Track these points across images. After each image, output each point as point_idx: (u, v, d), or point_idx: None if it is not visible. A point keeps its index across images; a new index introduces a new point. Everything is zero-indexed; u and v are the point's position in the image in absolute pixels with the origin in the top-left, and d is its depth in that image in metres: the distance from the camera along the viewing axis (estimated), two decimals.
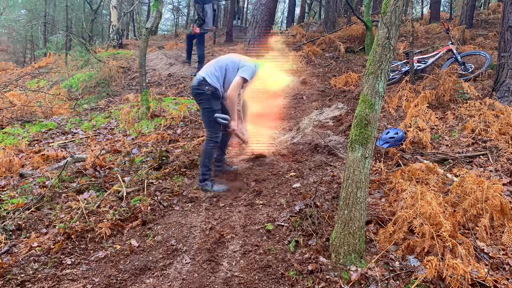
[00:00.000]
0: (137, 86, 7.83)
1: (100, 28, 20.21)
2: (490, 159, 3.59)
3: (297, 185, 3.43)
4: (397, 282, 2.21)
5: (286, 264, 2.38)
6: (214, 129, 3.52)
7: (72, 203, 3.27)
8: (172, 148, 4.56)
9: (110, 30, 14.41)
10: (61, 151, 4.71)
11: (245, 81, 3.54)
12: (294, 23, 16.31)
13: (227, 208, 3.19)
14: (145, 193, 3.40)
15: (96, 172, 3.91)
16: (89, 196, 3.42)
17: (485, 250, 2.42)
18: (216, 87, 3.49)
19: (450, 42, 6.54)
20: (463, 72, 6.04)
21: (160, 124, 5.46)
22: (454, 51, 6.30)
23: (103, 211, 3.13)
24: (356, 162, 2.33)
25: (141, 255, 2.58)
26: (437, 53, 6.64)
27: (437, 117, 4.65)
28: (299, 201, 3.07)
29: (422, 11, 16.80)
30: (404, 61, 6.91)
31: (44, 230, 2.91)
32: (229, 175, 3.85)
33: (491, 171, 3.39)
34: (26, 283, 2.33)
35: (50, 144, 5.03)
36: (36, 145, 5.04)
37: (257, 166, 4.20)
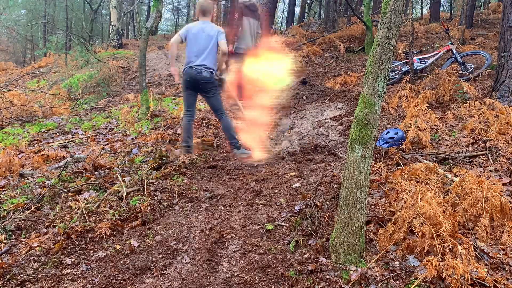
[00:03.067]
0: (137, 86, 7.83)
1: (100, 28, 20.20)
2: (490, 159, 3.59)
3: (297, 185, 3.43)
4: (397, 282, 2.21)
5: (286, 264, 2.38)
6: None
7: (72, 203, 3.27)
8: (172, 148, 4.56)
9: (110, 30, 14.42)
10: (61, 151, 4.71)
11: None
12: (294, 23, 16.30)
13: (227, 208, 3.19)
14: (145, 193, 3.40)
15: (96, 172, 3.91)
16: (89, 196, 3.42)
17: (485, 250, 2.42)
18: (216, 73, 4.31)
19: (450, 42, 6.54)
20: (463, 72, 6.04)
21: (160, 124, 5.46)
22: (454, 51, 6.31)
23: (103, 211, 3.13)
24: (356, 162, 2.33)
25: (141, 255, 2.58)
26: (437, 53, 6.65)
27: (437, 117, 4.65)
28: (299, 201, 3.07)
29: (422, 11, 16.79)
30: (404, 61, 6.92)
31: (44, 230, 2.91)
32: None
33: (491, 171, 3.40)
34: (26, 283, 2.33)
35: (50, 144, 5.03)
36: (36, 145, 5.04)
37: (257, 166, 4.20)
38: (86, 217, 3.00)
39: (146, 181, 3.58)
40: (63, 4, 14.93)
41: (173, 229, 2.87)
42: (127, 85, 8.48)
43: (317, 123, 5.46)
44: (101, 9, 18.71)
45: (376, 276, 2.22)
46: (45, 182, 3.74)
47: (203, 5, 4.36)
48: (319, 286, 2.18)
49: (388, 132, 4.33)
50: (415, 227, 2.46)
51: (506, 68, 4.70)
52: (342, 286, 2.17)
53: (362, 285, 2.19)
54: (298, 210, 2.92)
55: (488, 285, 2.12)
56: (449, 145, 4.07)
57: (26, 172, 4.01)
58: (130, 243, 2.72)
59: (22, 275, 2.39)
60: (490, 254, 2.39)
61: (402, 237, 2.48)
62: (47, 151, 4.62)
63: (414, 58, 6.35)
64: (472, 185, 2.77)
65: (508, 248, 2.44)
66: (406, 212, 2.55)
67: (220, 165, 4.23)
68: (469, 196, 2.73)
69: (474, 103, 4.58)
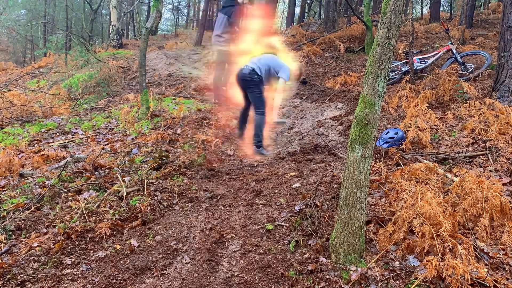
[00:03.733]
0: (137, 86, 7.82)
1: (100, 28, 20.20)
2: (490, 159, 3.59)
3: (297, 185, 3.43)
4: (397, 282, 2.21)
5: (286, 264, 2.38)
6: (263, 104, 4.62)
7: (72, 203, 3.27)
8: (172, 148, 4.56)
9: (110, 30, 14.41)
10: (61, 151, 4.71)
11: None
12: (294, 23, 16.29)
13: (227, 208, 3.19)
14: (145, 193, 3.40)
15: (96, 172, 3.91)
16: (89, 196, 3.42)
17: (485, 250, 2.42)
18: (262, 77, 4.60)
19: (450, 42, 6.54)
20: (463, 72, 6.03)
21: (160, 124, 5.46)
22: (454, 51, 6.30)
23: (103, 211, 3.13)
24: (356, 162, 2.33)
25: (141, 255, 2.58)
26: (437, 53, 6.64)
27: (437, 117, 4.65)
28: (299, 201, 3.07)
29: (422, 11, 16.79)
30: (404, 61, 6.91)
31: (44, 230, 2.91)
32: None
33: (491, 171, 3.40)
34: (26, 283, 2.33)
35: (50, 144, 5.03)
36: (36, 145, 5.04)
37: (257, 166, 4.20)
38: (86, 217, 3.00)
39: (146, 181, 3.58)
40: (63, 4, 14.94)
41: (173, 229, 2.87)
42: (127, 85, 8.48)
43: (317, 123, 5.46)
44: (101, 9, 18.72)
45: (376, 276, 2.23)
46: (45, 182, 3.74)
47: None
48: (319, 286, 2.18)
49: (388, 132, 4.33)
50: (415, 227, 2.46)
51: (506, 68, 4.70)
52: (342, 286, 2.17)
53: (362, 285, 2.19)
54: (298, 210, 2.92)
55: (488, 285, 2.12)
56: (449, 145, 4.07)
57: (26, 172, 4.01)
58: (130, 243, 2.72)
59: (22, 275, 2.39)
60: (490, 254, 2.39)
61: (402, 237, 2.48)
62: (47, 151, 4.62)
63: (414, 58, 6.35)
64: (472, 185, 2.77)
65: (508, 248, 2.44)
66: (406, 212, 2.55)
67: (220, 165, 4.23)
68: (469, 196, 2.73)
69: (474, 103, 4.58)
